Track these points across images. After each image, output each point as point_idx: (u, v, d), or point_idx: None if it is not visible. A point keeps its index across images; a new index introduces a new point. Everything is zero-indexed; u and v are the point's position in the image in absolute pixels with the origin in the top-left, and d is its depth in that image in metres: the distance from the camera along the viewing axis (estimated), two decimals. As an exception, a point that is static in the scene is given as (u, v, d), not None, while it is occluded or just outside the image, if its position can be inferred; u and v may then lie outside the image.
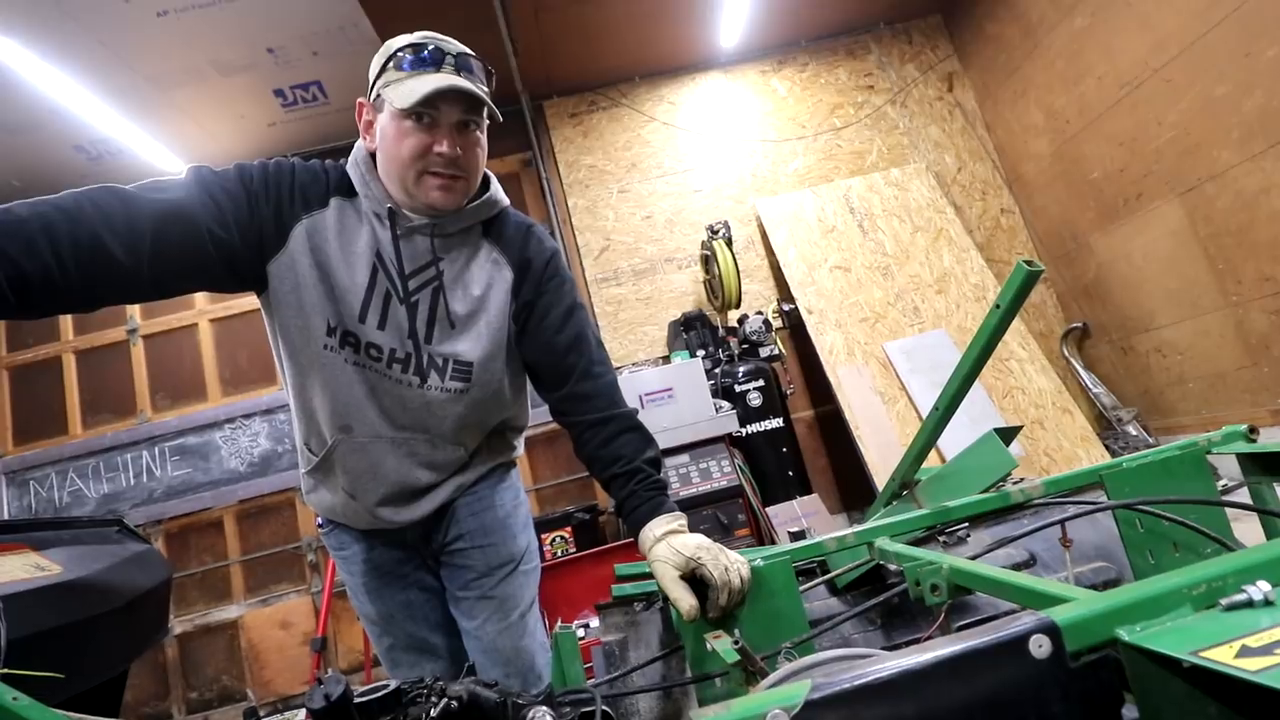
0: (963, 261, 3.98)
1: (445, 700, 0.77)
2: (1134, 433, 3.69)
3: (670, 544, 0.92)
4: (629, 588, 1.20)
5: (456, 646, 1.27)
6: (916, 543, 1.04)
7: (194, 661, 4.00)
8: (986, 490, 0.97)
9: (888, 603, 0.98)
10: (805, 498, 3.45)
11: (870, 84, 4.57)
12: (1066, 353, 4.10)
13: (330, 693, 0.62)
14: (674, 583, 0.88)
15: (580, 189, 4.39)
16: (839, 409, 3.61)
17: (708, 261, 4.02)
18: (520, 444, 1.34)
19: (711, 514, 3.08)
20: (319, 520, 1.29)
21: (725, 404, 3.42)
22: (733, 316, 4.04)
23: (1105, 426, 3.82)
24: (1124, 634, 0.43)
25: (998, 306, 0.79)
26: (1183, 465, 0.95)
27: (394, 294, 1.08)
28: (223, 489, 4.12)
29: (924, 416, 3.45)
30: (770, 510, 3.29)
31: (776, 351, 3.87)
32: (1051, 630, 0.43)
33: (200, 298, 4.26)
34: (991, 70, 4.36)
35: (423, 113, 1.00)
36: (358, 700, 0.71)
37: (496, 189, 1.15)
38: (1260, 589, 0.44)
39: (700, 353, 3.80)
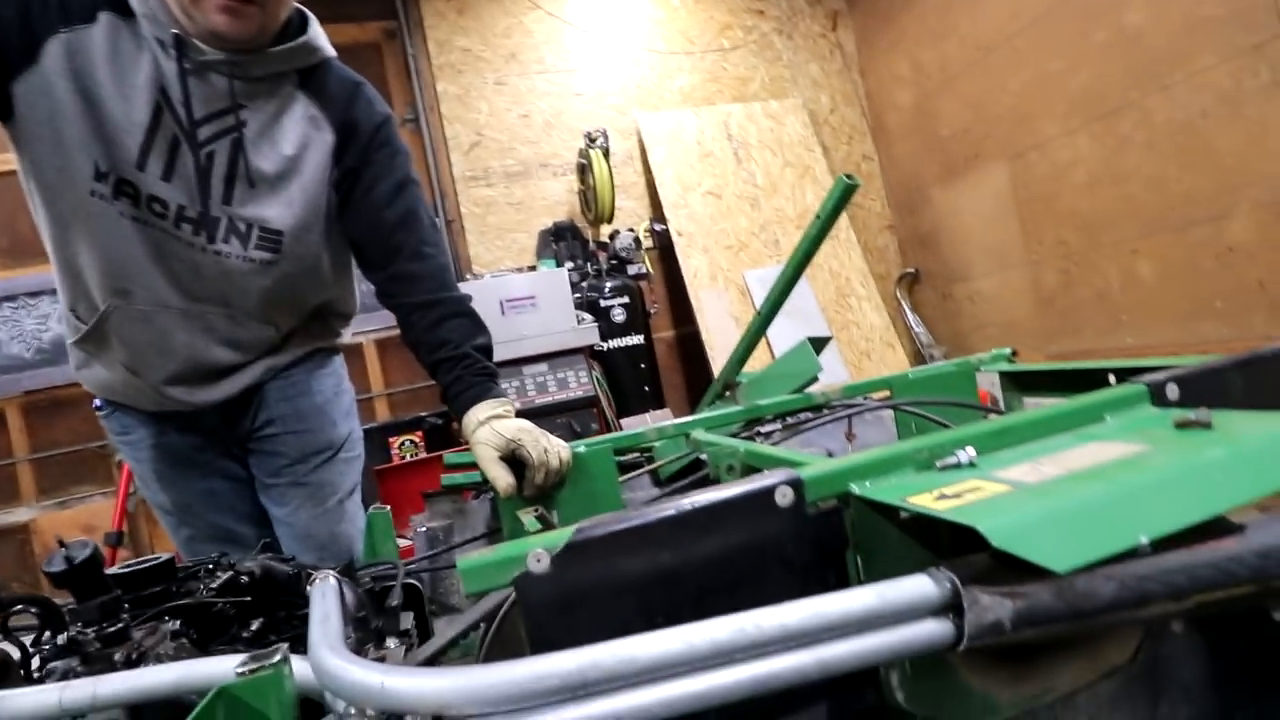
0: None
1: (231, 573, 0.73)
2: (943, 369, 4.21)
3: (493, 427, 0.92)
4: (458, 477, 1.20)
5: (268, 538, 1.21)
6: (734, 438, 1.13)
7: (-25, 570, 3.53)
8: (795, 392, 1.06)
9: (699, 488, 1.06)
10: (658, 411, 3.61)
11: (760, 8, 4.53)
12: (898, 294, 4.53)
13: (73, 556, 0.56)
14: (492, 463, 0.89)
15: (451, 73, 4.02)
16: (698, 331, 3.76)
17: (584, 171, 3.91)
18: (346, 332, 1.25)
19: (565, 422, 3.14)
20: (96, 402, 1.14)
21: (588, 317, 3.44)
22: (605, 231, 4.00)
23: (919, 360, 4.32)
24: (855, 488, 0.49)
25: (818, 217, 0.84)
26: (956, 379, 1.09)
27: (181, 140, 0.93)
28: (3, 378, 3.54)
29: (771, 342, 3.70)
30: (624, 421, 3.41)
31: (644, 270, 3.91)
32: (795, 483, 0.48)
33: (-40, 143, 3.47)
34: (872, 15, 4.48)
35: None
36: (119, 571, 0.66)
37: (317, 33, 1.00)
38: (967, 453, 0.52)
39: (569, 264, 3.75)
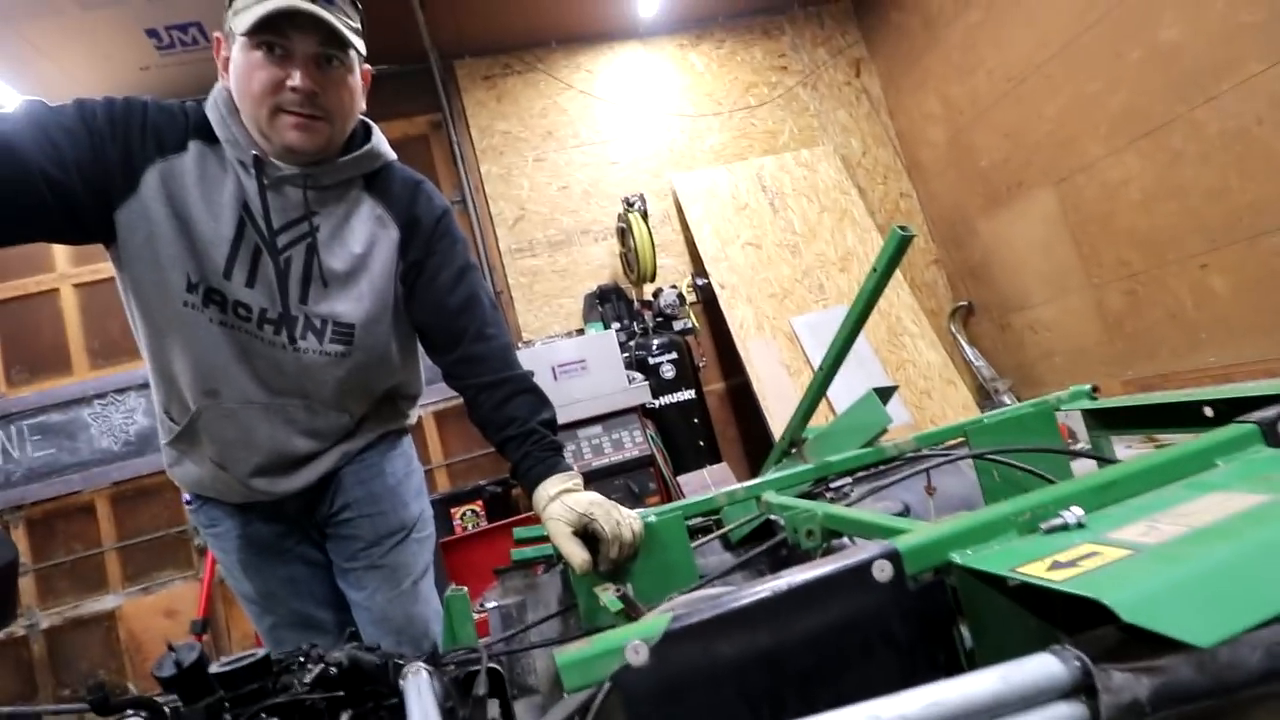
0: (865, 242, 4.18)
1: (322, 666, 0.74)
2: (1009, 402, 4.03)
3: (564, 502, 0.92)
4: (529, 551, 1.20)
5: (346, 621, 1.23)
6: (804, 496, 1.10)
7: (65, 657, 3.67)
8: (865, 445, 1.04)
9: (776, 554, 1.03)
10: (715, 466, 3.55)
11: (783, 65, 4.66)
12: (953, 329, 4.41)
13: (182, 659, 0.58)
14: (566, 538, 0.89)
15: (494, 155, 4.25)
16: (748, 381, 3.73)
17: (624, 234, 4.02)
18: (413, 413, 1.30)
19: (623, 483, 3.12)
20: (186, 497, 1.20)
21: (639, 376, 3.46)
22: (648, 290, 4.06)
23: (984, 397, 4.15)
24: (956, 557, 0.47)
25: (875, 270, 0.84)
26: (1035, 420, 1.04)
27: (263, 249, 1.00)
28: (94, 470, 3.77)
29: (828, 393, 3.63)
30: (681, 479, 3.36)
31: (690, 325, 3.94)
32: (893, 556, 0.46)
33: (61, 260, 3.84)
34: (895, 59, 4.55)
35: (273, 43, 0.92)
36: (220, 670, 0.67)
37: (380, 140, 1.09)
38: (1074, 513, 0.49)
39: (615, 325, 3.81)
